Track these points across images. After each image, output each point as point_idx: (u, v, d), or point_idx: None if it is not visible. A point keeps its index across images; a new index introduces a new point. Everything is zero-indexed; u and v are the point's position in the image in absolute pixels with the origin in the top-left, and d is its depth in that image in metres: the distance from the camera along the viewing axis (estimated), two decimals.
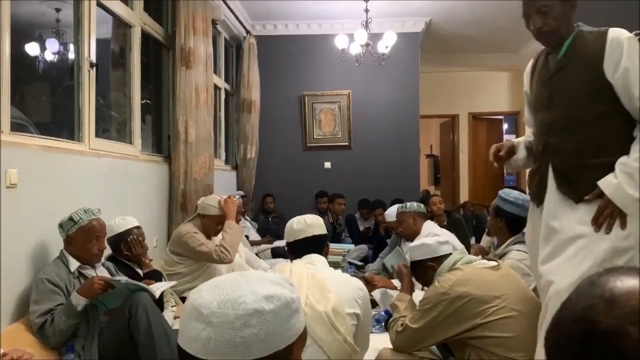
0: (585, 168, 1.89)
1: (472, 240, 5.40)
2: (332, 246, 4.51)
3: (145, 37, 4.16)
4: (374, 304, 3.31)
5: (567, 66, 1.94)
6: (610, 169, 1.84)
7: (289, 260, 2.26)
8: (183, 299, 3.22)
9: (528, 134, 2.26)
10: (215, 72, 5.44)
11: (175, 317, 2.96)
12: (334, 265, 3.78)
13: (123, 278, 2.47)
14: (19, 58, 3.01)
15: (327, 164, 6.99)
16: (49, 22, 3.83)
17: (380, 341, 2.47)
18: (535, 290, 2.22)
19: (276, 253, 5.28)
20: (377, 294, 3.38)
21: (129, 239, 2.96)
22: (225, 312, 0.81)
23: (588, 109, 1.89)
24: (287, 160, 6.94)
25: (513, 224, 2.80)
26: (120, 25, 3.92)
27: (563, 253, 1.88)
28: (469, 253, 3.54)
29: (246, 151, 6.46)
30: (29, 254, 2.51)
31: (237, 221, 3.64)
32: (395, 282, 3.54)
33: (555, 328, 0.62)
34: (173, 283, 2.95)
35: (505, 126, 9.86)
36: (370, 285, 3.36)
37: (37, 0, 3.76)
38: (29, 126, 3.05)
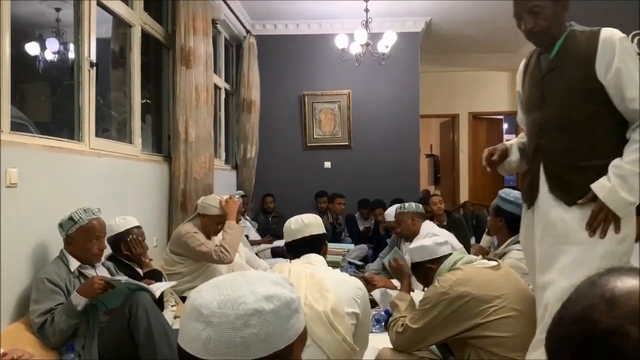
0: (578, 170, 1.86)
1: (472, 240, 5.40)
2: (332, 246, 4.53)
3: (146, 36, 4.16)
4: (373, 303, 3.32)
5: (559, 66, 1.92)
6: (603, 171, 1.81)
7: (288, 260, 2.26)
8: (183, 299, 3.22)
9: (522, 134, 2.23)
10: (215, 71, 5.44)
11: (175, 317, 2.97)
12: (334, 265, 3.78)
13: (123, 278, 2.47)
14: (19, 58, 3.01)
15: (327, 164, 6.99)
16: (49, 21, 3.82)
17: (380, 341, 2.47)
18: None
19: (276, 253, 5.29)
20: (377, 293, 3.38)
21: (128, 239, 2.96)
22: (225, 312, 0.81)
23: (580, 110, 1.86)
24: (287, 160, 6.94)
25: (513, 224, 2.79)
26: (121, 25, 3.92)
27: (559, 258, 1.84)
28: (469, 253, 3.54)
29: (246, 151, 6.46)
30: (29, 253, 2.51)
31: (237, 221, 3.64)
32: (395, 282, 3.54)
33: (556, 328, 0.62)
34: (173, 283, 2.95)
35: (505, 126, 9.86)
36: (370, 285, 3.36)
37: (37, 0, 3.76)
38: (29, 126, 3.05)
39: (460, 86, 8.80)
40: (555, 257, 1.85)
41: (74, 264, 2.49)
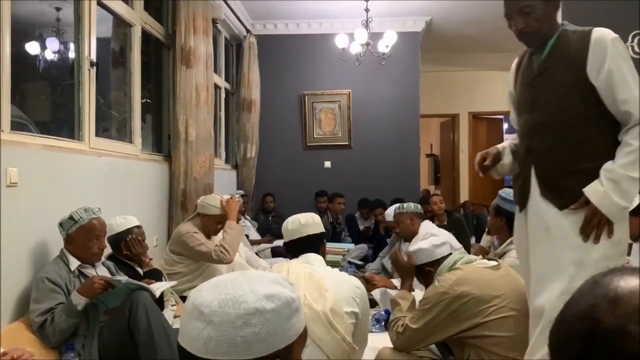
0: (569, 173, 1.83)
1: (472, 240, 5.41)
2: (332, 245, 4.53)
3: (146, 36, 4.16)
4: (373, 303, 3.32)
5: (550, 67, 1.89)
6: (595, 173, 1.78)
7: (288, 259, 2.26)
8: (183, 298, 3.22)
9: (515, 136, 2.19)
10: (215, 71, 5.44)
11: (175, 316, 2.97)
12: (334, 264, 3.79)
13: (123, 278, 2.47)
14: (19, 57, 3.00)
15: (327, 164, 6.99)
16: (49, 21, 3.82)
17: (380, 340, 2.47)
18: None
19: (276, 252, 5.29)
20: (376, 293, 3.38)
21: (128, 238, 2.96)
22: (226, 311, 0.81)
23: (571, 112, 1.83)
24: (287, 159, 6.94)
25: (513, 224, 2.79)
26: (121, 25, 3.92)
27: (553, 264, 1.81)
28: (469, 253, 3.54)
29: (246, 150, 6.46)
30: (29, 252, 2.51)
31: (237, 221, 3.64)
32: (395, 282, 3.55)
33: (559, 327, 0.62)
34: (173, 283, 2.95)
35: (505, 126, 9.86)
36: (370, 284, 3.36)
37: None
38: (29, 125, 3.05)
39: (461, 86, 8.80)
40: (550, 263, 1.82)
41: (74, 263, 2.49)
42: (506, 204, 2.83)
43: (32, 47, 3.63)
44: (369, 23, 5.49)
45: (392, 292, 3.18)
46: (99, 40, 3.30)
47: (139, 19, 3.96)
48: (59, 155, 2.79)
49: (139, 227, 3.04)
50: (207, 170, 4.53)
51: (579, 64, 1.79)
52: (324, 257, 2.23)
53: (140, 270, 2.98)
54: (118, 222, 2.98)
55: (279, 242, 5.35)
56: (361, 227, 6.34)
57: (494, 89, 8.79)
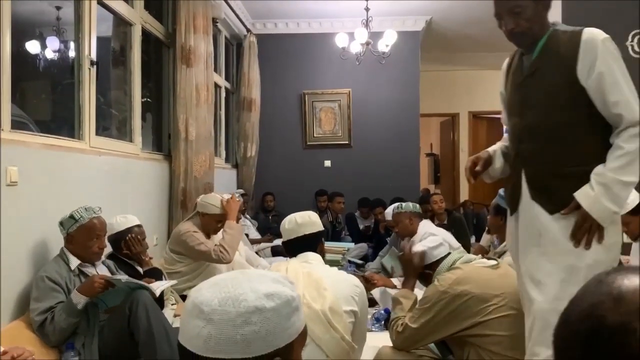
0: (560, 177, 1.79)
1: (472, 239, 5.41)
2: (332, 245, 4.54)
3: (146, 35, 4.16)
4: (373, 302, 3.32)
5: (541, 68, 1.85)
6: (586, 177, 1.74)
7: (287, 258, 2.26)
8: (183, 297, 3.23)
9: (505, 137, 2.16)
10: (215, 70, 5.45)
11: (175, 315, 2.97)
12: (334, 263, 3.79)
13: (124, 277, 2.47)
14: (19, 56, 3.01)
15: (327, 163, 6.99)
16: (49, 20, 3.82)
17: (380, 339, 2.46)
18: None
19: (276, 251, 5.29)
20: (376, 292, 3.38)
21: (127, 238, 2.96)
22: (226, 309, 0.82)
23: (561, 114, 1.80)
24: (287, 158, 6.94)
25: None
26: (121, 24, 3.92)
27: (546, 269, 1.78)
28: (469, 252, 3.55)
29: (246, 149, 6.46)
30: (29, 251, 2.51)
31: (237, 220, 3.64)
32: (395, 281, 3.55)
33: (563, 326, 0.62)
34: (174, 282, 2.95)
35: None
36: (369, 283, 3.37)
37: None
38: (29, 124, 3.05)
39: (461, 85, 8.80)
40: (542, 268, 1.80)
41: (74, 262, 2.49)
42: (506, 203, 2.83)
43: (32, 46, 3.63)
44: (369, 22, 5.49)
45: (392, 292, 3.19)
46: (99, 39, 3.30)
47: (139, 18, 3.96)
48: (59, 154, 2.79)
49: (139, 226, 3.04)
50: (207, 170, 4.53)
51: (569, 65, 1.76)
52: (323, 255, 2.23)
53: (141, 269, 2.99)
54: (118, 221, 2.98)
55: (279, 241, 5.35)
56: (361, 227, 6.34)
57: (494, 89, 8.64)
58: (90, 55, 3.19)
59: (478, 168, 2.01)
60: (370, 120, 6.89)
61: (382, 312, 3.14)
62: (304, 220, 2.20)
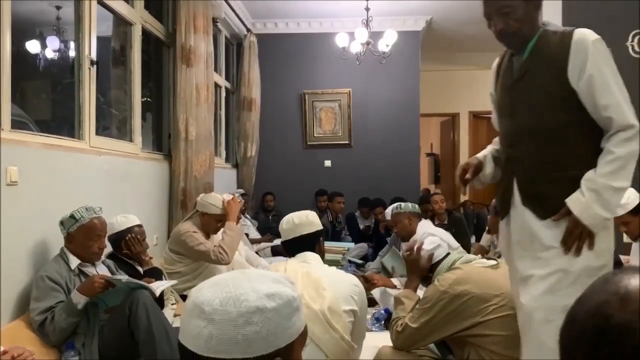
0: (551, 182, 1.76)
1: (472, 239, 5.41)
2: (332, 244, 4.55)
3: (146, 35, 4.16)
4: (373, 302, 3.33)
5: (531, 70, 1.80)
6: (577, 182, 1.71)
7: (287, 258, 2.26)
8: (183, 297, 3.23)
9: (495, 140, 2.12)
10: (215, 70, 5.44)
11: (175, 315, 2.97)
12: (334, 263, 3.79)
13: (124, 277, 2.47)
14: (19, 55, 3.01)
15: (328, 163, 6.99)
16: (49, 19, 3.83)
17: (380, 339, 2.46)
18: None
19: (276, 251, 5.29)
20: (376, 292, 3.39)
21: (127, 237, 2.96)
22: (227, 309, 0.82)
23: (552, 118, 1.76)
24: (287, 158, 6.94)
25: None
26: (121, 23, 3.92)
27: (537, 275, 1.75)
28: (469, 252, 3.55)
29: (246, 149, 6.47)
30: (29, 251, 2.51)
31: (237, 220, 3.64)
32: (395, 281, 3.56)
33: (569, 325, 0.62)
34: (174, 282, 2.95)
35: None
36: (369, 283, 3.37)
37: None
38: (29, 124, 3.06)
39: (461, 85, 8.80)
40: (534, 274, 1.77)
41: (75, 262, 2.49)
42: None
43: (32, 46, 3.64)
44: (369, 22, 5.49)
45: (392, 292, 3.19)
46: (99, 38, 3.30)
47: (139, 17, 3.96)
48: (59, 153, 2.79)
49: (139, 226, 3.04)
50: (207, 169, 4.53)
51: (560, 67, 1.73)
52: (322, 255, 2.22)
53: (141, 269, 2.99)
54: (119, 220, 2.98)
55: (279, 241, 5.31)
56: (361, 226, 6.34)
57: None
58: (90, 54, 3.19)
59: (468, 176, 1.97)
60: (370, 120, 6.89)
61: (382, 312, 3.14)
62: (302, 221, 2.19)
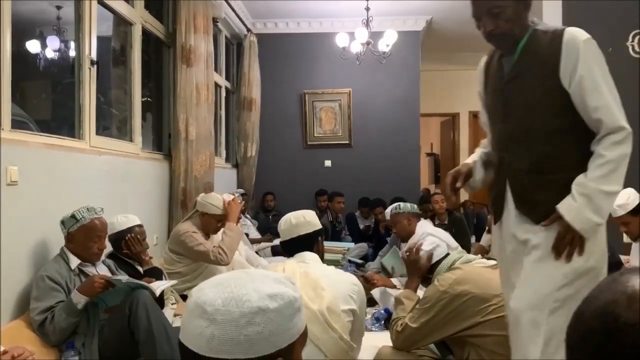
0: (545, 185, 1.73)
1: (473, 239, 5.41)
2: (332, 244, 4.54)
3: (146, 34, 4.16)
4: (373, 302, 3.33)
5: (522, 73, 1.77)
6: (570, 185, 1.68)
7: (286, 258, 2.26)
8: (183, 297, 3.23)
9: (483, 142, 2.10)
10: (216, 70, 5.44)
11: (175, 315, 2.97)
12: (334, 263, 3.79)
13: (124, 277, 2.47)
14: (19, 55, 3.01)
15: (328, 162, 6.99)
16: (49, 19, 3.83)
17: (380, 339, 2.47)
18: None
19: (276, 251, 5.29)
20: (376, 292, 3.39)
21: (127, 237, 2.96)
22: (229, 309, 0.82)
23: (546, 120, 1.73)
24: (287, 158, 6.94)
25: None
26: (121, 23, 3.92)
27: (529, 279, 1.73)
28: (469, 252, 3.55)
29: (247, 149, 6.47)
30: (29, 251, 2.51)
31: (237, 221, 3.64)
32: (395, 281, 3.56)
33: (576, 324, 0.62)
34: (174, 282, 2.95)
35: None
36: (369, 283, 3.37)
37: None
38: (29, 123, 3.06)
39: (461, 85, 8.80)
40: (523, 278, 1.75)
41: (75, 261, 2.49)
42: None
43: (32, 46, 3.64)
44: (369, 22, 5.49)
45: (392, 292, 3.19)
46: (99, 38, 3.30)
47: (139, 17, 3.96)
48: (59, 153, 2.79)
49: (140, 226, 3.04)
50: (208, 169, 4.53)
51: (552, 69, 1.69)
52: (321, 254, 2.22)
53: (141, 269, 2.99)
54: (119, 220, 2.98)
55: (278, 241, 5.35)
56: (361, 226, 6.34)
57: None
58: (90, 54, 3.18)
59: (458, 184, 1.94)
60: (370, 120, 6.89)
61: (382, 312, 3.14)
62: (299, 221, 2.19)
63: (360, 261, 5.03)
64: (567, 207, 1.67)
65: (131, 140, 3.88)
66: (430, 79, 8.06)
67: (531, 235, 1.75)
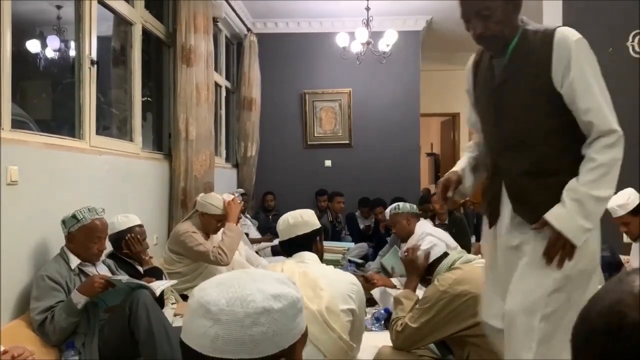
0: (542, 188, 1.69)
1: (473, 239, 5.41)
2: (332, 244, 4.54)
3: (146, 34, 4.16)
4: (373, 302, 3.33)
5: (514, 75, 1.73)
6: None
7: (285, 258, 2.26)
8: (183, 297, 3.23)
9: (470, 145, 2.05)
10: (216, 69, 5.44)
11: (175, 315, 2.97)
12: (334, 263, 3.79)
13: (124, 277, 2.47)
14: (20, 55, 3.01)
15: (328, 162, 6.99)
16: (50, 19, 3.83)
17: (380, 339, 2.47)
18: None
19: (276, 251, 5.29)
20: (376, 292, 3.39)
21: (127, 237, 2.96)
22: (234, 310, 0.82)
23: (539, 123, 1.70)
24: (287, 158, 6.94)
25: None
26: (121, 23, 3.92)
27: (519, 279, 1.72)
28: (470, 252, 3.55)
29: (247, 149, 6.47)
30: (29, 251, 2.51)
31: (237, 221, 3.64)
32: (395, 281, 3.56)
33: (583, 322, 0.62)
34: (174, 282, 2.95)
35: None
36: (369, 283, 3.37)
37: None
38: (29, 123, 3.06)
39: (461, 85, 8.69)
40: (515, 281, 1.74)
41: (75, 261, 2.49)
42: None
43: (32, 45, 3.64)
44: (369, 22, 5.49)
45: (392, 292, 3.19)
46: (99, 38, 3.30)
47: (139, 17, 3.96)
48: (59, 153, 2.79)
49: (140, 226, 3.04)
50: (208, 169, 4.53)
51: (544, 70, 1.66)
52: (320, 254, 2.22)
53: (141, 269, 2.99)
54: (120, 220, 2.98)
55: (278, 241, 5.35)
56: (361, 226, 6.34)
57: None
58: (90, 54, 3.19)
59: (449, 194, 1.91)
60: (370, 120, 6.89)
61: (382, 311, 3.14)
62: (297, 221, 2.18)
63: (360, 261, 5.03)
64: (555, 216, 1.64)
65: (131, 140, 3.88)
66: (430, 79, 8.05)
67: (524, 240, 1.74)
